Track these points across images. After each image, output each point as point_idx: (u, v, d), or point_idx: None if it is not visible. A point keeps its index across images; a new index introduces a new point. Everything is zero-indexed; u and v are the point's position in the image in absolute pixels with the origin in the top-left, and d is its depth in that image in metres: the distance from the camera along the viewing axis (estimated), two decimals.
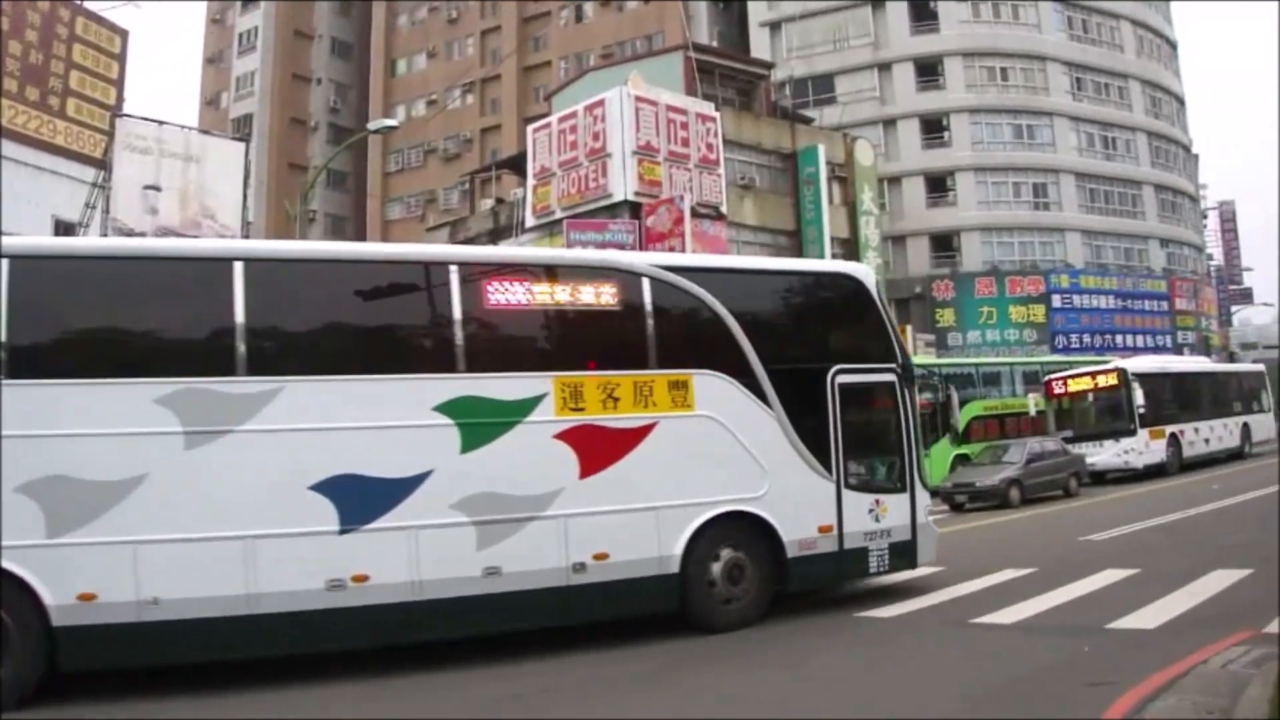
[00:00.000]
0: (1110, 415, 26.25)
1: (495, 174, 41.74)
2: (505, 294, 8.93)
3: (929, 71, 45.43)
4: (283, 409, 7.90)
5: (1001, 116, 45.58)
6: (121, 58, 34.89)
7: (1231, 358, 50.49)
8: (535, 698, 7.39)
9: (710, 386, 9.34)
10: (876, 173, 40.23)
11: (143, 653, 7.54)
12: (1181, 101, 54.92)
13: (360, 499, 8.00)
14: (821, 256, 34.54)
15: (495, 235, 35.28)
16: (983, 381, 29.81)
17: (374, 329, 8.77)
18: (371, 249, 14.23)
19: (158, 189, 28.50)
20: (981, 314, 42.75)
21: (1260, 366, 36.57)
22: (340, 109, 60.18)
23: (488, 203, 39.69)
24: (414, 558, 8.08)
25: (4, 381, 7.30)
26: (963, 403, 26.03)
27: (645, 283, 9.33)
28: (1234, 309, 62.72)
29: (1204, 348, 48.94)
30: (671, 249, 28.92)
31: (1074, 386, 27.14)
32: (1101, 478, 25.37)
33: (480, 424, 8.44)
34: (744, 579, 9.35)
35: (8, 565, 7.12)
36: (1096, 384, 26.74)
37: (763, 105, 39.17)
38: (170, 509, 7.56)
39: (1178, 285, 48.84)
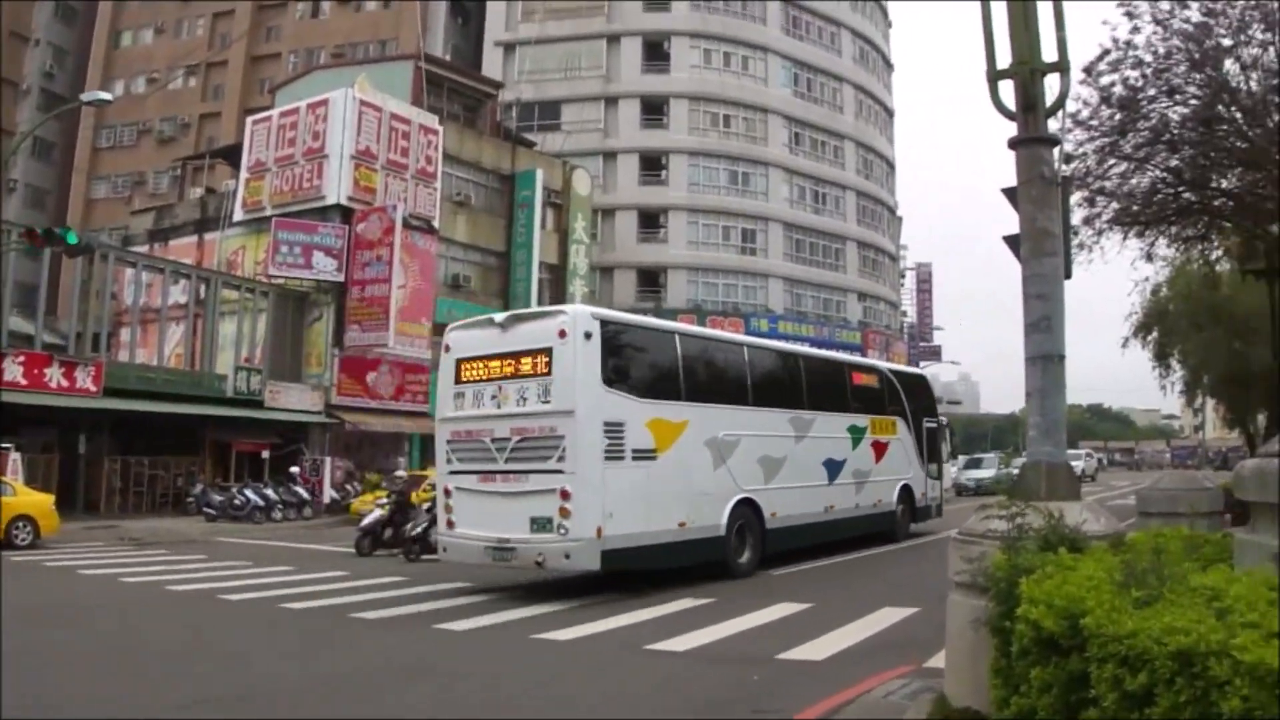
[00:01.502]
0: None
1: (209, 162, 48.50)
2: (859, 379, 22.74)
3: (655, 110, 57.33)
4: (816, 426, 19.53)
5: (720, 161, 57.84)
6: None
7: None
8: None
9: (899, 424, 23.07)
10: (592, 203, 50.94)
11: (777, 542, 17.87)
12: (892, 166, 69.83)
13: (832, 470, 20.09)
14: (529, 280, 43.82)
15: (201, 226, 41.86)
16: None
17: (822, 389, 20.50)
18: (821, 357, 24.25)
19: None
20: None
21: (944, 419, 48.32)
22: (56, 74, 64.62)
23: (198, 191, 46.25)
24: (848, 499, 20.58)
25: (750, 407, 17.93)
26: None
27: (885, 376, 23.76)
28: (923, 364, 77.67)
29: None
30: (379, 258, 36.15)
31: None
32: None
33: (856, 437, 21.12)
34: (905, 514, 23.18)
35: (751, 496, 17.23)
36: None
37: (487, 124, 48.34)
38: (792, 472, 18.53)
39: (871, 337, 62.65)
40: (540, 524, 14.17)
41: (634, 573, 15.00)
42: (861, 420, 21.30)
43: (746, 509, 16.97)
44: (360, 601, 14.23)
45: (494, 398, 15.01)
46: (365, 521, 21.55)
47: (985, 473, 48.17)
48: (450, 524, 15.44)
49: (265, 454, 33.87)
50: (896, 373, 25.20)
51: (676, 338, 17.14)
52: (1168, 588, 4.18)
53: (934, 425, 25.04)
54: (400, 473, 24.16)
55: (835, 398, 20.69)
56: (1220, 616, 3.62)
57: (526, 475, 14.44)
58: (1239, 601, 3.73)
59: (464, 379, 15.55)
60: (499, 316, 15.99)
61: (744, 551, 16.98)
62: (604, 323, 15.05)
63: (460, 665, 10.12)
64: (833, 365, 22.33)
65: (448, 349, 16.10)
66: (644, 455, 15.06)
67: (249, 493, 30.33)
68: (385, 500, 22.23)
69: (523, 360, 14.76)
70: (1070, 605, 4.26)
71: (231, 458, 33.71)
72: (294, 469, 32.97)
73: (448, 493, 15.52)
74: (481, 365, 15.33)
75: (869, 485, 21.27)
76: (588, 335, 14.43)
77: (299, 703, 8.56)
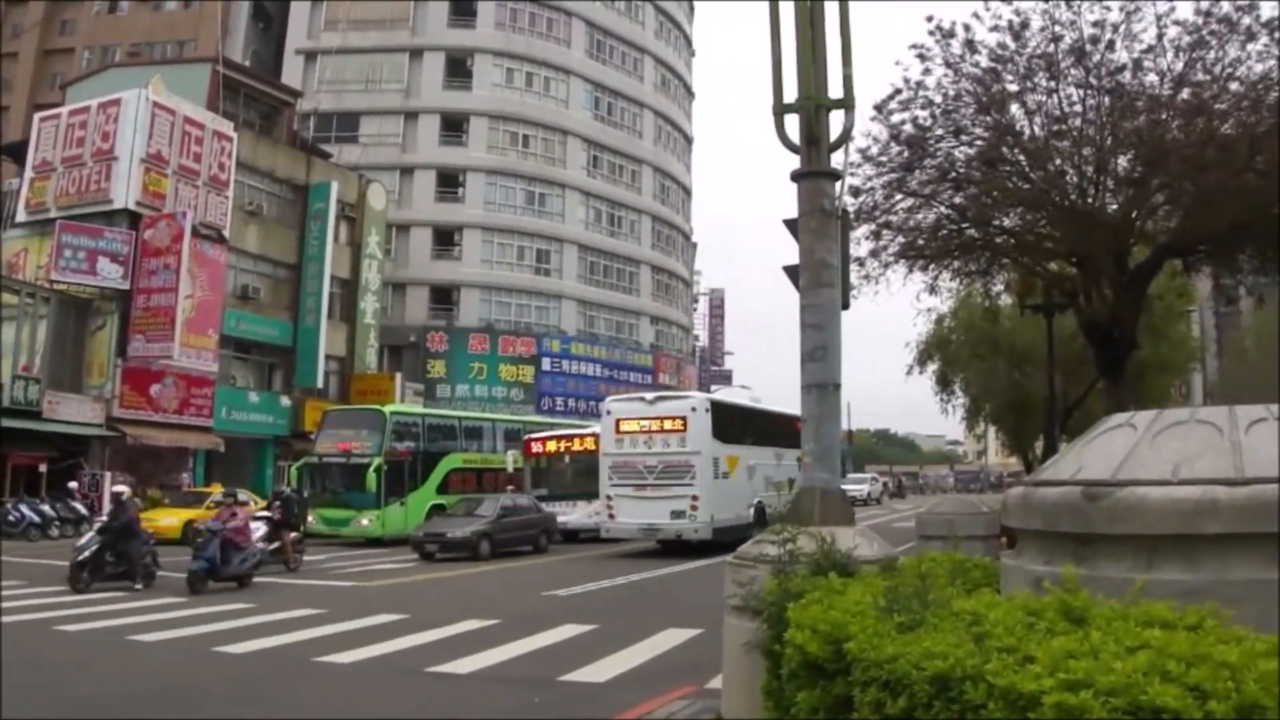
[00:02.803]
0: (585, 477, 30.95)
1: None
2: (797, 425, 27.31)
3: (454, 127, 58.72)
4: (784, 457, 29.49)
5: (517, 181, 59.76)
6: None
7: None
8: None
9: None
10: (386, 218, 51.86)
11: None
12: (688, 192, 73.29)
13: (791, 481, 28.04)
14: (319, 294, 44.43)
15: None
16: (465, 435, 36.42)
17: (783, 433, 29.31)
18: (782, 413, 31.35)
19: None
20: (473, 369, 55.83)
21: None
22: None
23: None
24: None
25: (759, 447, 30.09)
26: (442, 454, 33.96)
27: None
28: (714, 388, 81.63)
29: None
30: (167, 266, 36.50)
31: (552, 447, 33.44)
32: (575, 536, 31.07)
33: (797, 461, 27.69)
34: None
35: (761, 499, 28.40)
36: (573, 446, 32.90)
37: (283, 132, 48.47)
38: (773, 483, 27.97)
39: (663, 361, 65.73)
40: (677, 514, 26.03)
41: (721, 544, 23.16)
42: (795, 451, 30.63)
43: (759, 506, 28.07)
44: (140, 623, 14.33)
45: (645, 442, 26.77)
46: (83, 554, 18.78)
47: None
48: (612, 516, 27.06)
49: (43, 468, 33.33)
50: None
51: (740, 410, 31.63)
52: (931, 612, 4.28)
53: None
54: (121, 488, 21.75)
55: (788, 437, 28.32)
56: (978, 641, 3.70)
57: (669, 486, 26.26)
58: (997, 626, 3.84)
59: (622, 431, 27.17)
60: (649, 396, 29.84)
61: (759, 530, 26.56)
62: (713, 403, 28.24)
63: (234, 689, 10.26)
64: (786, 417, 30.19)
65: (609, 413, 27.95)
66: (724, 476, 27.32)
67: (24, 508, 29.83)
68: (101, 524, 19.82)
69: (665, 422, 26.76)
70: (834, 630, 4.38)
71: (6, 471, 32.88)
72: (72, 484, 32.59)
73: (610, 498, 27.13)
74: (635, 423, 27.09)
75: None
76: (706, 410, 27.07)
77: None
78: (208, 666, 11.45)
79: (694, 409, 26.78)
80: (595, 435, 30.61)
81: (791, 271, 8.24)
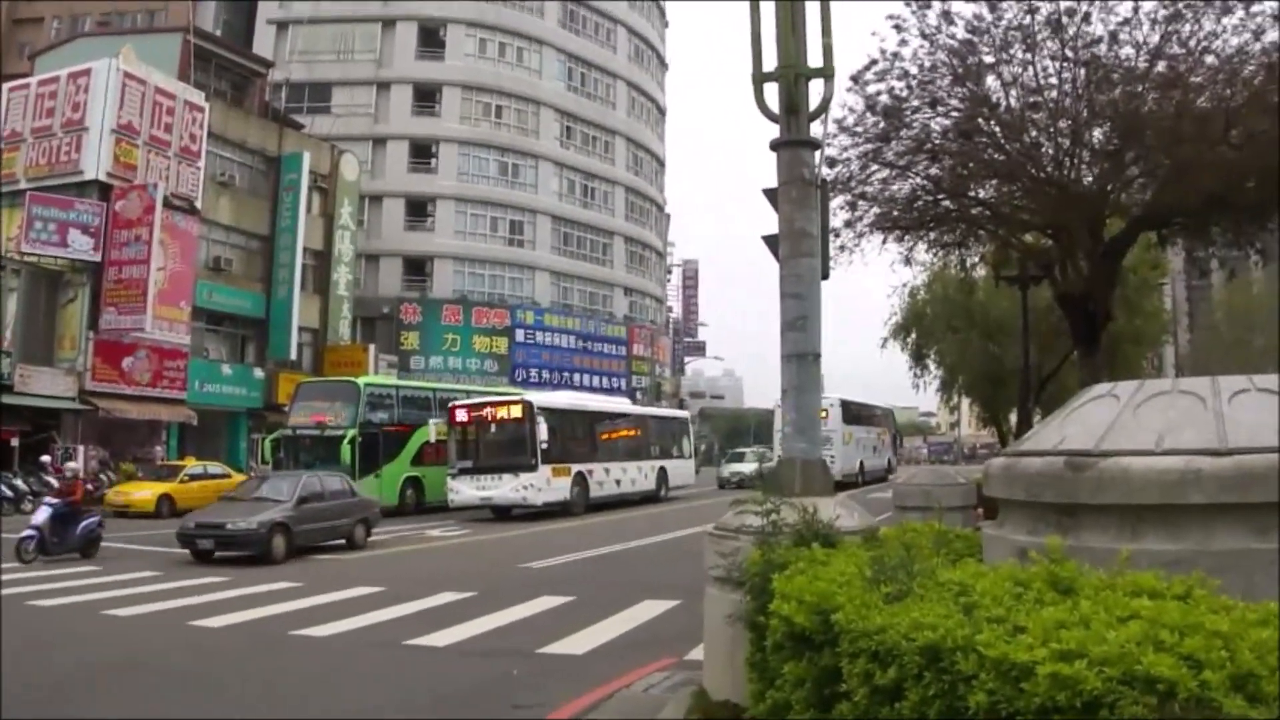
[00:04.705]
0: (513, 448, 29.83)
1: None
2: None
3: (427, 97, 58.39)
4: (859, 428, 49.25)
5: (490, 152, 59.62)
6: None
7: (681, 404, 67.24)
8: None
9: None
10: (359, 189, 51.60)
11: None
12: (662, 163, 73.18)
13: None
14: (292, 265, 44.27)
15: None
16: (439, 406, 34.04)
17: (863, 416, 49.75)
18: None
19: None
20: (446, 340, 55.77)
21: (684, 413, 49.10)
22: None
23: None
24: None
25: (855, 425, 48.58)
26: (417, 426, 32.98)
27: None
28: (687, 359, 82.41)
29: (655, 393, 65.11)
30: (138, 238, 36.24)
31: (477, 415, 30.91)
32: (507, 513, 29.97)
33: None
34: None
35: (861, 459, 48.97)
36: (499, 415, 30.53)
37: (256, 103, 48.14)
38: (861, 449, 49.45)
39: (637, 332, 65.74)
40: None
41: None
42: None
43: (860, 463, 45.37)
44: (113, 598, 14.43)
45: None
46: (36, 522, 19.08)
47: (746, 467, 50.84)
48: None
49: (14, 442, 32.86)
50: None
51: (853, 403, 48.16)
52: (917, 583, 4.26)
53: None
54: (73, 464, 21.68)
55: (873, 420, 50.45)
56: (967, 612, 3.69)
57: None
58: (985, 596, 3.83)
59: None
60: (830, 397, 40.14)
61: (861, 476, 45.64)
62: (844, 401, 45.17)
63: (212, 665, 10.17)
64: (875, 407, 49.26)
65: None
66: (847, 442, 43.91)
67: None
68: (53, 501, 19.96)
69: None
70: (821, 601, 4.34)
71: None
72: (45, 458, 32.25)
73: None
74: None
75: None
76: (841, 405, 44.46)
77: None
78: (185, 641, 11.43)
79: (832, 405, 41.58)
80: (524, 402, 30.49)
81: (771, 241, 8.21)
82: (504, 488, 29.31)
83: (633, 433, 37.80)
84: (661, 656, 9.68)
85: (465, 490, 30.05)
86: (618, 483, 34.25)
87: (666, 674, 8.92)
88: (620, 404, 41.50)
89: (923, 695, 3.56)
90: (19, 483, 30.40)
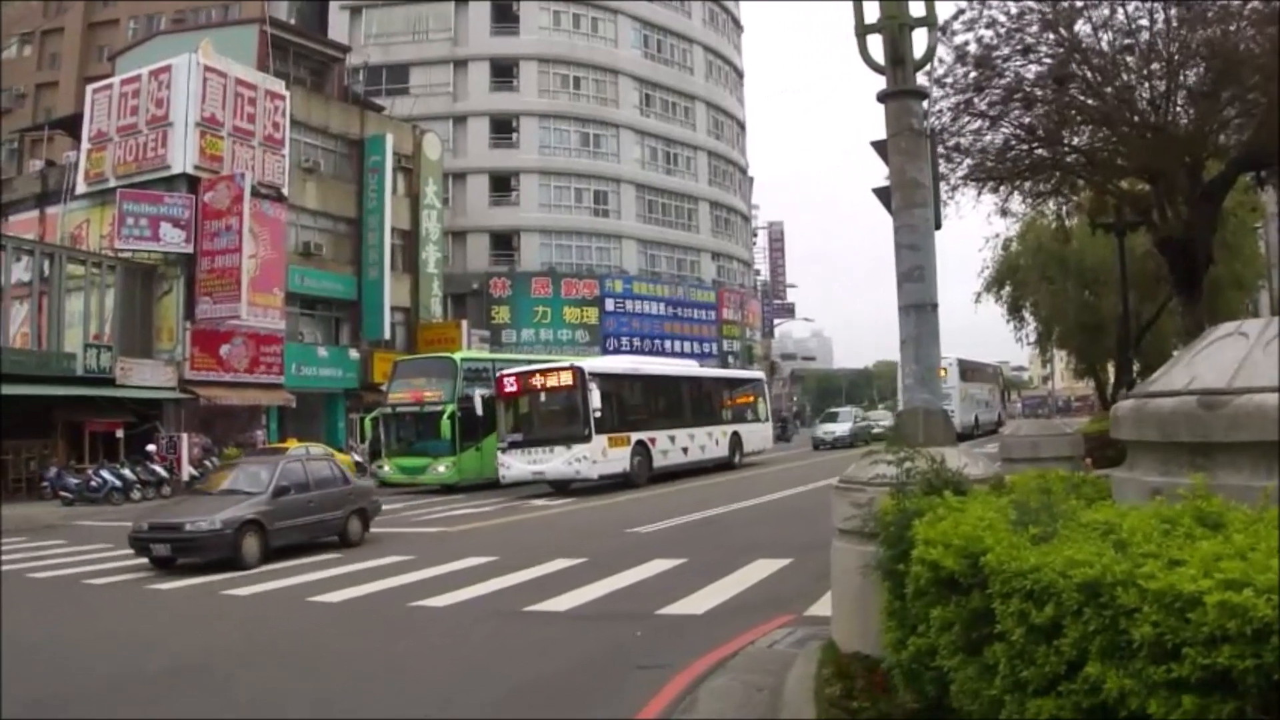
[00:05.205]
0: (564, 418, 28.07)
1: (48, 134, 47.22)
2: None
3: (504, 73, 58.23)
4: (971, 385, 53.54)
5: (570, 123, 59.20)
6: None
7: (772, 367, 66.31)
8: None
9: None
10: (442, 167, 51.54)
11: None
12: (743, 126, 72.14)
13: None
14: (381, 246, 44.48)
15: (43, 200, 41.07)
16: None
17: (976, 372, 56.18)
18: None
19: None
20: (537, 313, 55.66)
21: (759, 373, 46.26)
22: None
23: (37, 164, 44.96)
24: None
25: (967, 383, 52.47)
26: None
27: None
28: (776, 322, 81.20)
29: (747, 356, 64.32)
30: (228, 228, 36.45)
31: (526, 384, 28.92)
32: (566, 488, 28.21)
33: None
34: None
35: (976, 414, 53.75)
36: (548, 383, 28.61)
37: (335, 88, 48.30)
38: (975, 404, 54.77)
39: (726, 297, 64.90)
40: None
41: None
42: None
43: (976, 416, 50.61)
44: (229, 578, 14.42)
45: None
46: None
47: (840, 427, 49.93)
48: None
49: (120, 433, 33.72)
50: None
51: (966, 362, 51.03)
52: (1061, 524, 4.24)
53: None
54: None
55: (984, 377, 56.74)
56: (1119, 549, 3.68)
57: None
58: (1134, 534, 3.80)
59: None
60: (947, 357, 39.88)
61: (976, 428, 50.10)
62: (960, 360, 48.66)
63: (337, 637, 10.35)
64: (984, 363, 53.33)
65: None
66: (964, 398, 48.13)
67: (105, 473, 30.17)
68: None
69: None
70: (968, 544, 4.32)
71: (85, 438, 33.46)
72: (150, 447, 32.89)
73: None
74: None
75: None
76: (958, 364, 48.25)
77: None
78: (308, 616, 11.60)
79: (950, 364, 45.74)
80: (574, 369, 28.40)
81: (882, 193, 8.20)
82: (556, 461, 27.44)
83: (700, 397, 35.05)
84: (781, 614, 9.64)
85: (517, 465, 28.16)
86: (685, 451, 31.68)
87: (788, 630, 8.84)
88: (686, 366, 39.38)
89: (1083, 631, 3.54)
90: (126, 472, 30.99)
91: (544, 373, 28.99)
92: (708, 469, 32.74)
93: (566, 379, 27.96)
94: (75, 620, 12.14)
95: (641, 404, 31.30)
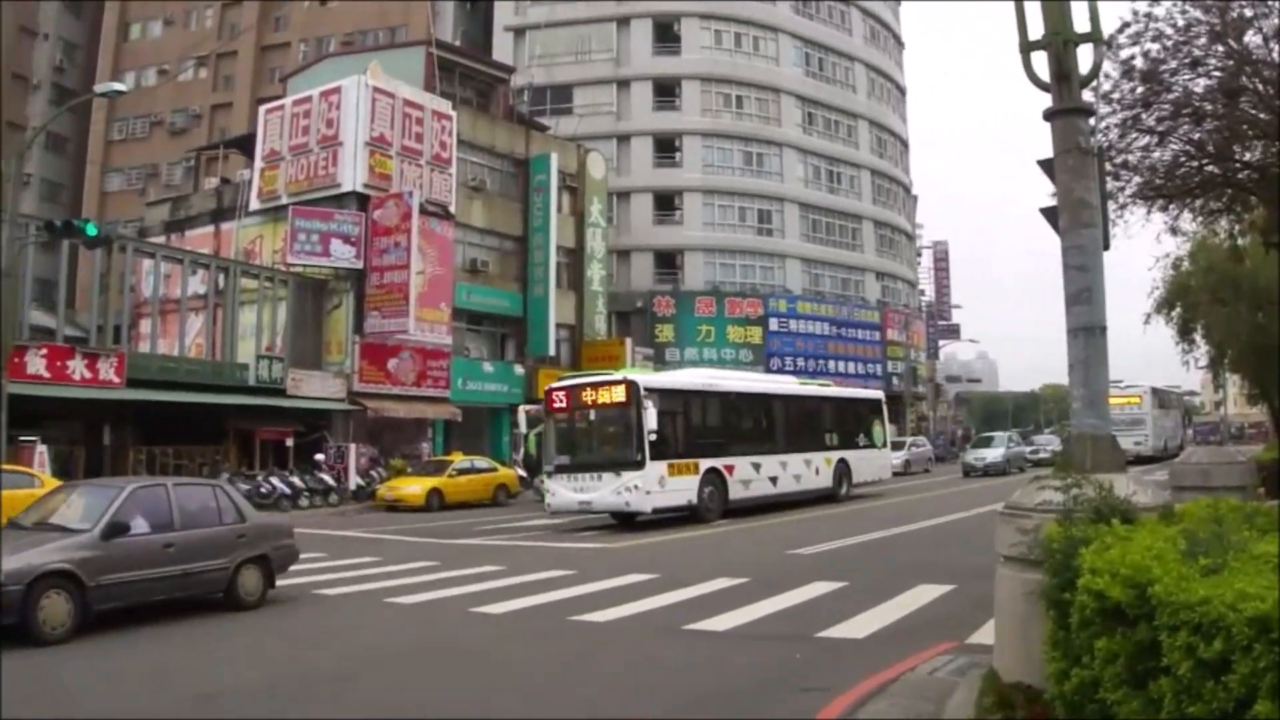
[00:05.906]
0: (615, 440, 24.07)
1: (223, 153, 48.31)
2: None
3: (666, 92, 57.49)
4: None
5: (733, 142, 58.07)
6: None
7: (937, 389, 63.50)
8: None
9: None
10: (607, 186, 50.91)
11: None
12: (905, 144, 69.93)
13: None
14: (546, 264, 44.13)
15: (217, 216, 41.93)
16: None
17: (1170, 402, 57.40)
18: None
19: None
20: (700, 332, 54.34)
21: (877, 394, 36.90)
22: (67, 69, 64.79)
23: (213, 182, 46.10)
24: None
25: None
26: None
27: None
28: (941, 343, 77.92)
29: (913, 377, 61.70)
30: (397, 244, 36.32)
31: (575, 399, 24.53)
32: (631, 521, 23.72)
33: None
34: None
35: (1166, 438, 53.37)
36: (598, 399, 24.19)
37: (500, 108, 48.25)
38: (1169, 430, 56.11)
39: (890, 317, 62.74)
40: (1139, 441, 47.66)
41: None
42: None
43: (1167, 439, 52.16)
44: (394, 586, 14.27)
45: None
46: None
47: (993, 453, 46.07)
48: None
49: (289, 442, 33.77)
50: None
51: (1157, 390, 52.69)
52: (1232, 556, 4.16)
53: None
54: None
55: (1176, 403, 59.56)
56: None
57: (1131, 430, 46.37)
58: None
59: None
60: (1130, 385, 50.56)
61: (1166, 457, 43.67)
62: (1154, 389, 51.79)
63: (498, 649, 10.16)
64: (1172, 390, 54.03)
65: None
66: (1157, 426, 51.98)
67: (275, 480, 30.32)
68: None
69: (1132, 402, 50.54)
70: (1136, 574, 4.21)
71: (255, 446, 33.67)
72: (318, 456, 33.09)
73: None
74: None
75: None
76: (1152, 392, 52.35)
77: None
78: (471, 627, 11.50)
79: (1145, 393, 51.19)
80: (628, 382, 23.60)
81: (1050, 213, 7.90)
82: (604, 489, 22.97)
83: (797, 418, 29.42)
84: (942, 640, 9.38)
85: (563, 492, 23.85)
86: (773, 480, 26.45)
87: (949, 657, 8.62)
88: (781, 383, 33.23)
89: (1253, 668, 3.47)
90: (295, 480, 31.18)
91: (595, 386, 24.40)
92: (805, 502, 27.63)
93: (619, 394, 23.45)
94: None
95: (718, 425, 26.42)
